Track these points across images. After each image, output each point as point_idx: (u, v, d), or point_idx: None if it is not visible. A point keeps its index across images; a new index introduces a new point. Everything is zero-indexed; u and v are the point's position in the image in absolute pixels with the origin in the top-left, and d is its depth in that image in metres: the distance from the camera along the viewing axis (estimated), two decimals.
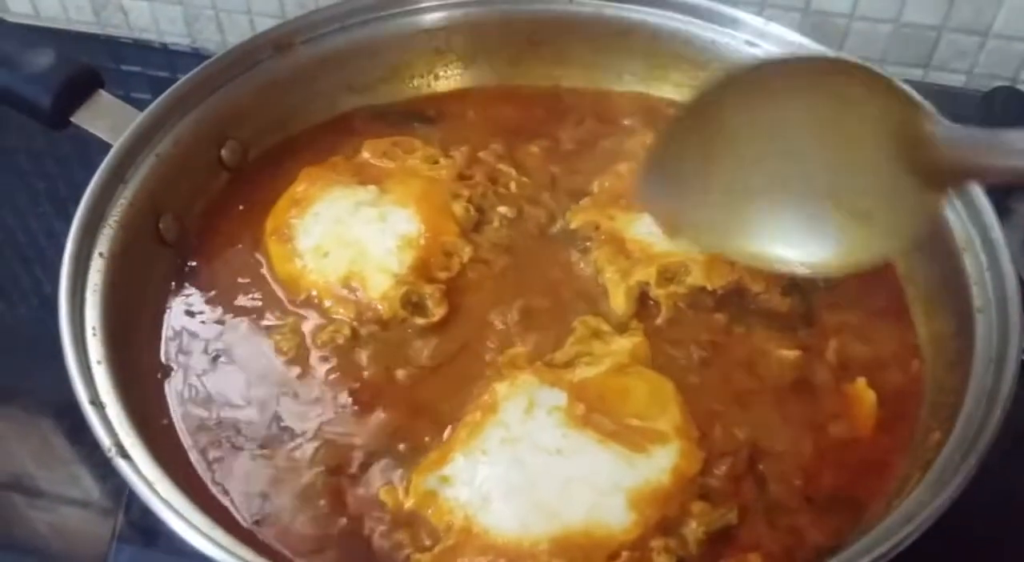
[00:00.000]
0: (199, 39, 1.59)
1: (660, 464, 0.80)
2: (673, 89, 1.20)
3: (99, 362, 0.81)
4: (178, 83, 1.02)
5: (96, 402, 0.78)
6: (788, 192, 0.83)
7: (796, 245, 0.84)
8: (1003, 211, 1.29)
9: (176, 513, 0.70)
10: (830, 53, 0.74)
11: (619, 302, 0.95)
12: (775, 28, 1.11)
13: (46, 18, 1.63)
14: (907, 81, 1.44)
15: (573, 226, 1.02)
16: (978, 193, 0.91)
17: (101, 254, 0.89)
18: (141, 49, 1.61)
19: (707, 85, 0.82)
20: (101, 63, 1.55)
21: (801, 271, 0.85)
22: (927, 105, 0.77)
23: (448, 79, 1.23)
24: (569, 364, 0.89)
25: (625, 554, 0.76)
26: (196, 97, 1.04)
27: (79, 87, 1.01)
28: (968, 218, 0.91)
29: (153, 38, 1.62)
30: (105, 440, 0.74)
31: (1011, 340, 0.80)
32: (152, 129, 0.99)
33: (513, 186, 1.08)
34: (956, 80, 1.58)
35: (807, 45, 1.10)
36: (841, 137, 0.80)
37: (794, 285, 0.96)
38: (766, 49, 1.13)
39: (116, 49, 1.61)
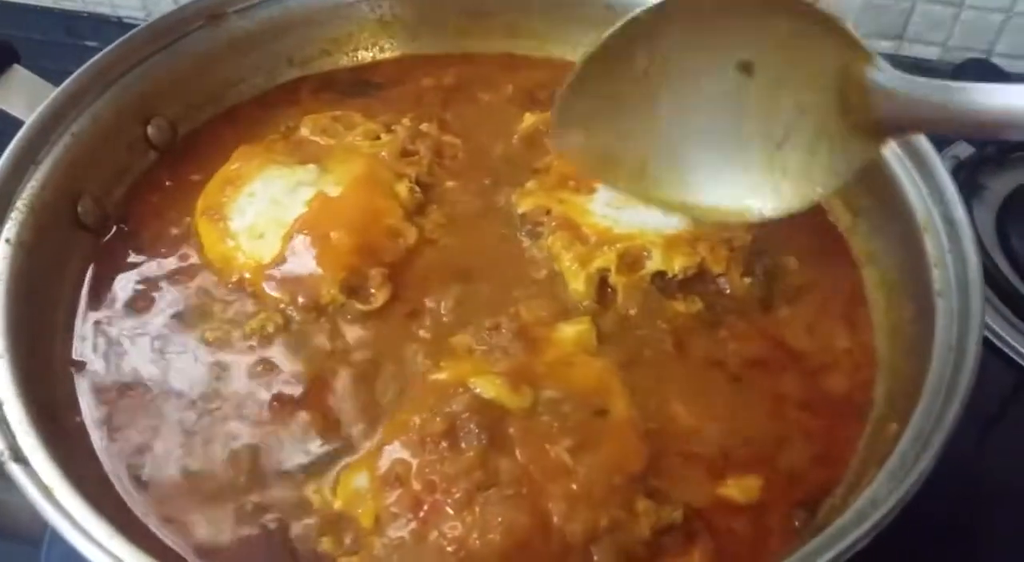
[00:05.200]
0: (155, 12, 1.53)
1: (602, 460, 0.75)
2: None
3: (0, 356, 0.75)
4: (97, 57, 0.97)
5: None
6: (716, 133, 0.80)
7: (721, 190, 0.81)
8: (974, 188, 1.26)
9: (71, 522, 0.65)
10: None
11: (579, 288, 0.91)
12: None
13: None
14: (880, 54, 1.41)
15: (521, 210, 0.98)
16: (940, 170, 0.87)
17: (8, 241, 0.84)
18: (97, 23, 1.55)
19: (633, 17, 0.77)
20: (56, 38, 1.51)
21: (725, 218, 0.82)
22: (870, 49, 0.72)
23: (394, 52, 1.18)
24: (508, 352, 0.84)
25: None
26: (117, 71, 0.98)
27: None
28: (929, 196, 0.87)
29: (108, 12, 1.55)
30: None
31: (972, 326, 0.76)
32: (68, 106, 0.94)
33: (460, 155, 1.04)
34: (930, 53, 1.54)
35: None
36: (776, 77, 0.77)
37: (751, 267, 0.92)
38: None
39: (70, 23, 1.55)
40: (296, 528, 0.76)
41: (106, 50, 0.98)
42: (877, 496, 0.68)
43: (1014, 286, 1.15)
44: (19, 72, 0.97)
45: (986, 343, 1.10)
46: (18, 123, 0.92)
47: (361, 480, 0.77)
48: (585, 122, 0.82)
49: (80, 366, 0.86)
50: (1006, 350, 1.11)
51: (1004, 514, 0.98)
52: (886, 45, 1.52)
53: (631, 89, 0.80)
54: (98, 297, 0.92)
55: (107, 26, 1.54)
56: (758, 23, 0.75)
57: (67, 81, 0.94)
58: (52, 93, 0.93)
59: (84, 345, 0.88)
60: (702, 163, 0.82)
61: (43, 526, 0.91)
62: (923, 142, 0.89)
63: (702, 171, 0.82)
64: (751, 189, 0.81)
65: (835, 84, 0.74)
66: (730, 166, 0.81)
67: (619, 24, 0.77)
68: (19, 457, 0.69)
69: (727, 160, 0.81)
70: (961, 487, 0.98)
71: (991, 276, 1.16)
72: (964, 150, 1.31)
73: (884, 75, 0.71)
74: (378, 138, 1.04)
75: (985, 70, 1.35)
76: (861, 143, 0.76)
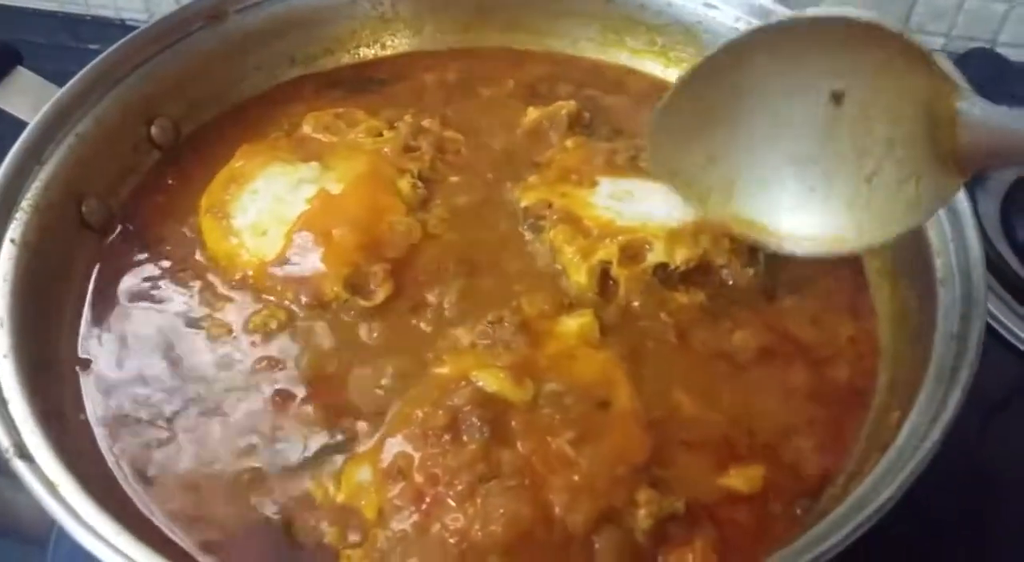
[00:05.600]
0: (158, 14, 1.53)
1: (604, 452, 0.76)
2: (630, 55, 1.15)
3: (5, 356, 0.76)
4: (100, 57, 0.97)
5: None
6: (805, 162, 0.79)
7: (803, 218, 0.81)
8: (977, 178, 1.25)
9: (76, 518, 0.65)
10: (863, 15, 0.69)
11: (581, 281, 0.90)
12: None
13: None
14: None
15: (524, 204, 0.98)
16: None
17: (13, 241, 0.85)
18: (100, 26, 1.55)
19: (728, 43, 0.78)
20: (59, 41, 1.52)
21: (798, 249, 0.82)
22: (961, 80, 0.70)
23: (396, 48, 1.18)
24: (511, 346, 0.84)
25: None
26: (120, 72, 0.99)
27: None
28: None
29: (111, 14, 1.56)
30: (4, 440, 0.69)
31: (974, 314, 0.76)
32: (72, 107, 0.94)
33: (463, 151, 1.04)
34: (934, 43, 1.54)
35: (771, 8, 1.06)
36: (867, 109, 0.76)
37: (754, 257, 0.92)
38: (725, 11, 1.08)
39: (73, 26, 1.55)
40: (300, 522, 0.76)
41: (109, 51, 0.98)
42: (878, 483, 0.68)
43: (1018, 275, 1.14)
44: (23, 74, 0.97)
45: (990, 332, 1.10)
46: (22, 124, 0.93)
47: (364, 473, 0.77)
48: (677, 143, 0.84)
49: (86, 364, 0.87)
50: (1011, 339, 1.10)
51: (1009, 502, 0.98)
52: None
53: (723, 112, 0.81)
54: (103, 296, 0.92)
55: (110, 28, 1.54)
56: (849, 54, 0.74)
57: (71, 82, 0.94)
58: (56, 94, 0.93)
59: (90, 343, 0.88)
60: (788, 190, 0.82)
61: (49, 526, 0.92)
62: None
63: (787, 198, 0.82)
64: (834, 219, 0.80)
65: (924, 117, 0.73)
66: (815, 195, 0.81)
67: (715, 49, 0.78)
68: (24, 454, 0.69)
69: (813, 189, 0.81)
70: (966, 476, 0.98)
71: (995, 265, 1.15)
72: None
73: (975, 107, 0.69)
74: (380, 135, 1.04)
75: (990, 60, 1.35)
76: (948, 178, 0.74)
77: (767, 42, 0.77)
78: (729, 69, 0.79)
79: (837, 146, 0.79)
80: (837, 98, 0.77)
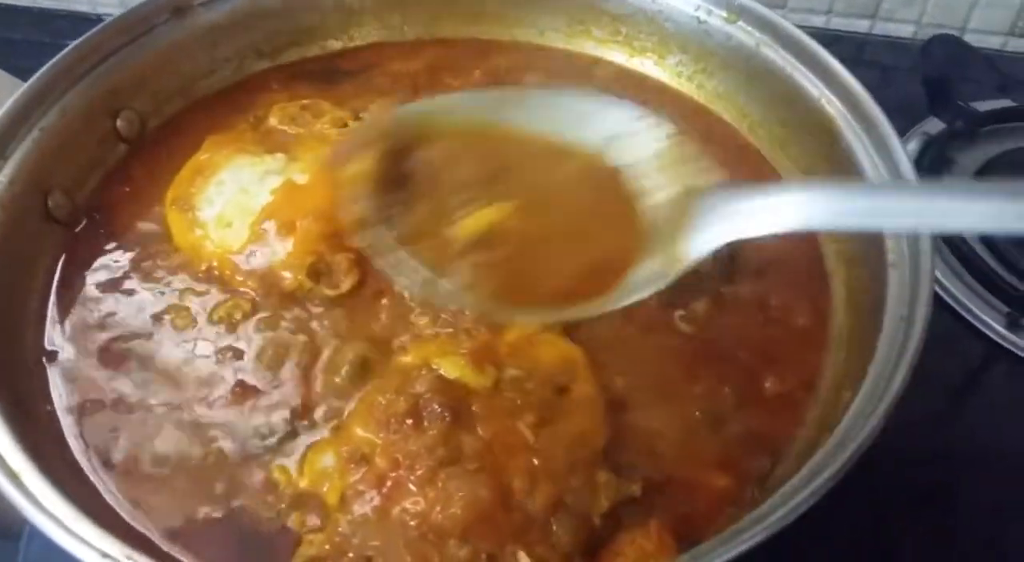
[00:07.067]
0: None
1: (563, 436, 0.77)
2: (595, 45, 1.16)
3: None
4: (64, 52, 0.97)
5: None
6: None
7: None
8: (943, 162, 1.27)
9: (38, 506, 0.66)
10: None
11: None
12: None
13: None
14: (854, 33, 1.41)
15: None
16: (895, 145, 0.88)
17: None
18: (76, 21, 1.55)
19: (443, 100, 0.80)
20: (33, 37, 1.51)
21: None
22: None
23: (363, 39, 1.19)
24: (472, 333, 0.85)
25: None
26: (85, 66, 0.99)
27: None
28: (885, 170, 0.88)
29: (87, 9, 1.56)
30: None
31: (920, 297, 0.77)
32: (35, 101, 0.94)
33: None
34: (904, 31, 1.55)
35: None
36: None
37: None
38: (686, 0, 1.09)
39: (48, 22, 1.55)
40: (262, 508, 0.77)
41: (73, 44, 0.98)
42: (826, 459, 0.69)
43: (983, 260, 1.16)
44: None
45: (956, 316, 1.12)
46: None
47: (327, 460, 0.78)
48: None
49: (52, 356, 0.87)
50: (975, 323, 1.12)
51: (978, 482, 1.00)
52: (861, 24, 1.53)
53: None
54: (70, 288, 0.93)
55: (86, 24, 1.52)
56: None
57: (35, 76, 0.94)
58: (20, 88, 0.93)
59: (56, 334, 0.89)
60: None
61: (22, 521, 0.92)
62: (874, 110, 0.90)
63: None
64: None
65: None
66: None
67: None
68: None
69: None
70: (936, 457, 1.01)
71: (960, 250, 1.17)
72: (934, 126, 1.32)
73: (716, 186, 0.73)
74: (346, 125, 1.04)
75: (953, 46, 1.36)
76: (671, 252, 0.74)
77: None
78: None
79: None
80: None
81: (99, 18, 1.54)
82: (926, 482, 1.00)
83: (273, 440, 0.81)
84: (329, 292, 0.91)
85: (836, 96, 0.96)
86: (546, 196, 0.81)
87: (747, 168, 1.03)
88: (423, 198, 0.81)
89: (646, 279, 0.75)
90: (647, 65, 1.15)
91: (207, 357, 0.87)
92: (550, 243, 0.79)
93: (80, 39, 0.99)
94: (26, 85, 0.94)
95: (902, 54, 1.49)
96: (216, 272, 0.93)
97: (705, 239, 0.72)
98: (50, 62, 0.96)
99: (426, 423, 0.76)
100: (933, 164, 1.27)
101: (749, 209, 0.70)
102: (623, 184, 0.80)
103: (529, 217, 0.79)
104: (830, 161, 0.95)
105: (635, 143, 0.80)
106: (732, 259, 0.93)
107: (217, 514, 0.77)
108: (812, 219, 0.68)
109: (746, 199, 0.71)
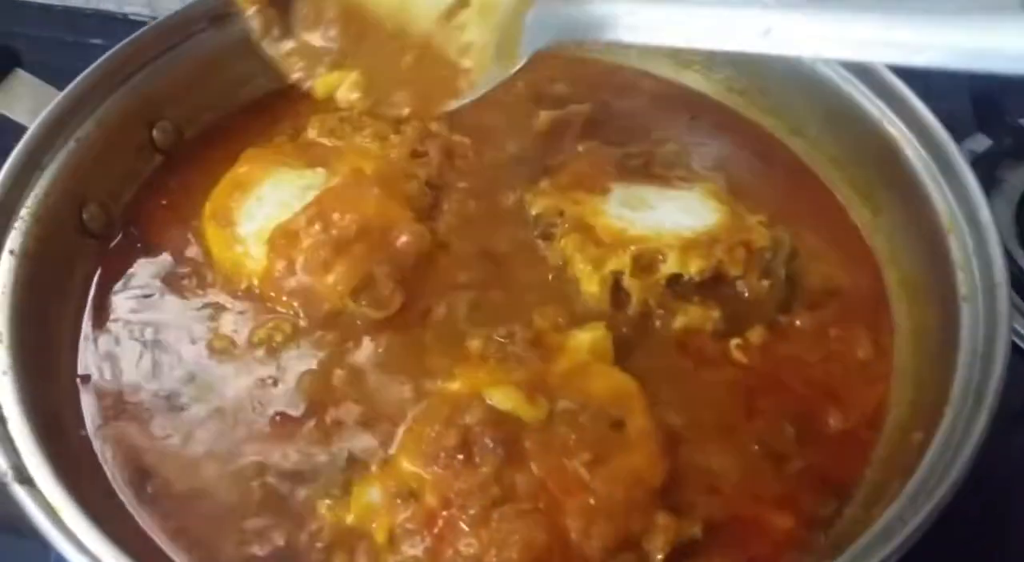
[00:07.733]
0: (160, 9, 1.50)
1: (620, 474, 0.74)
2: (639, 56, 1.13)
3: (4, 373, 0.74)
4: (100, 60, 0.95)
5: None
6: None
7: None
8: (991, 182, 1.23)
9: (78, 545, 0.63)
10: None
11: (593, 292, 0.89)
12: None
13: None
14: None
15: (535, 211, 0.96)
16: (964, 169, 0.85)
17: (12, 252, 0.83)
18: (102, 20, 1.52)
19: None
20: (60, 36, 1.48)
21: None
22: None
23: None
24: (523, 361, 0.82)
25: None
26: (121, 75, 0.96)
27: None
28: (953, 196, 0.85)
29: (113, 8, 1.53)
30: (2, 462, 0.67)
31: (999, 332, 0.74)
32: (72, 111, 0.92)
33: (471, 155, 1.02)
34: None
35: None
36: None
37: (772, 269, 0.90)
38: None
39: (74, 20, 1.52)
40: (307, 544, 0.74)
41: (109, 53, 0.96)
42: (904, 510, 0.66)
43: None
44: (21, 76, 0.95)
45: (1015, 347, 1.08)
46: (21, 129, 0.90)
47: (374, 494, 0.75)
48: None
49: (86, 379, 0.85)
50: None
51: None
52: None
53: None
54: (104, 307, 0.90)
55: (112, 23, 1.51)
56: None
57: (70, 85, 0.92)
58: (55, 98, 0.91)
59: (89, 357, 0.87)
60: None
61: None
62: (944, 138, 0.87)
63: None
64: None
65: None
66: None
67: None
68: (24, 478, 0.67)
69: None
70: (988, 489, 0.97)
71: (1012, 274, 1.13)
72: (981, 143, 1.28)
73: None
74: (387, 138, 1.01)
75: None
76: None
77: None
78: None
79: None
80: None
81: (125, 17, 1.52)
82: (979, 515, 0.96)
83: (317, 472, 0.78)
84: (373, 314, 0.88)
85: (898, 116, 0.92)
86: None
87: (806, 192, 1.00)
88: None
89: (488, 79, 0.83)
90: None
91: (247, 383, 0.84)
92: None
93: (115, 48, 0.96)
94: (61, 94, 0.92)
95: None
96: (256, 290, 0.90)
97: (530, 40, 0.80)
98: (85, 71, 0.94)
99: (478, 459, 0.74)
100: (980, 182, 1.24)
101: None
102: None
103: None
104: (892, 185, 0.92)
105: None
106: (789, 287, 0.90)
107: (260, 548, 0.74)
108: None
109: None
